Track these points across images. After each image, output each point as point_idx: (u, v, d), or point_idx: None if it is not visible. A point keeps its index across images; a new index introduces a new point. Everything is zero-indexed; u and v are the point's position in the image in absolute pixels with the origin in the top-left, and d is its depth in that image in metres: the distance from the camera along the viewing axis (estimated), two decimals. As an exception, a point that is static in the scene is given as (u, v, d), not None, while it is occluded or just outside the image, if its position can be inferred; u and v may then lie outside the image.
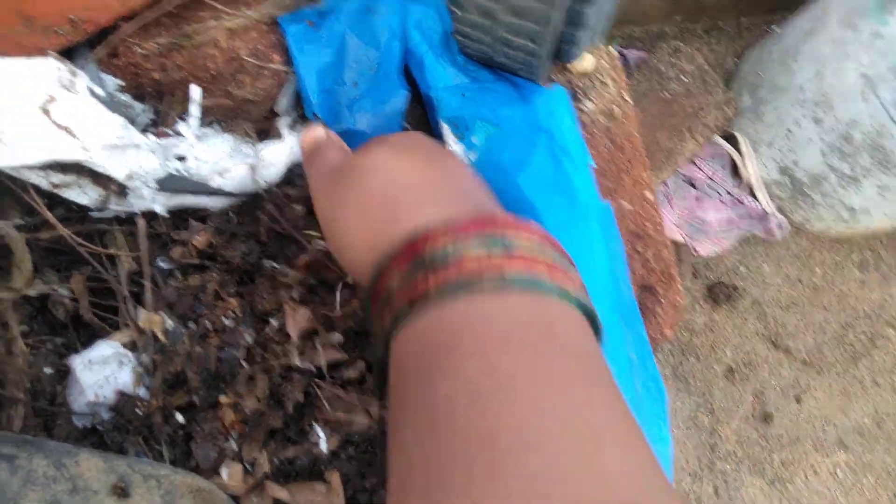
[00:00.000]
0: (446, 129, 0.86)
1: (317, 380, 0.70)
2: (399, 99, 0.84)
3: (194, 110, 0.78)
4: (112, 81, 0.79)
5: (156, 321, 0.66)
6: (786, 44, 1.74)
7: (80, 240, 0.70)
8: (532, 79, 0.85)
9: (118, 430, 0.66)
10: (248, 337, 0.71)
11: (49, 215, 0.69)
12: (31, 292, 0.73)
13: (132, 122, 0.82)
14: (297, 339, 0.72)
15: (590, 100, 1.03)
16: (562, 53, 0.82)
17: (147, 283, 0.69)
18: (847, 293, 1.81)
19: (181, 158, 0.75)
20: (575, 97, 1.03)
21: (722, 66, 2.03)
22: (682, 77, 1.67)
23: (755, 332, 1.72)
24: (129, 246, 0.76)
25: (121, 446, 0.65)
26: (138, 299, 0.73)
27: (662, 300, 0.97)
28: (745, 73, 1.92)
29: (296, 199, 0.81)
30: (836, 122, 1.53)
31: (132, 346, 0.68)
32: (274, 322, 0.74)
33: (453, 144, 0.85)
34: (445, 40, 0.90)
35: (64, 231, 0.68)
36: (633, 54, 1.87)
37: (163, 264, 0.75)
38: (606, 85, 1.07)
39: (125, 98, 0.80)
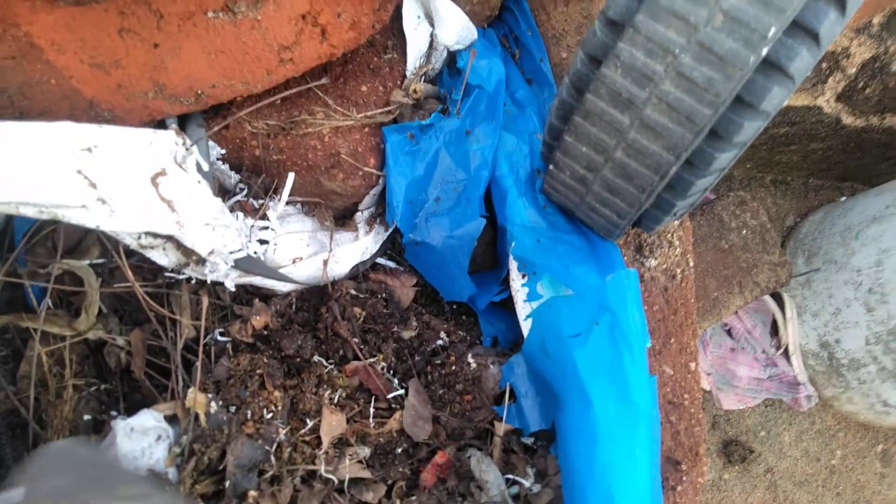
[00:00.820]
0: (514, 266, 0.87)
1: (336, 493, 0.70)
2: (477, 226, 0.86)
3: (285, 196, 0.81)
4: (216, 150, 0.83)
5: (201, 402, 0.68)
6: (850, 220, 1.75)
7: (148, 299, 0.72)
8: (608, 238, 0.87)
9: None
10: (283, 433, 0.71)
11: (127, 270, 0.71)
12: (91, 336, 0.75)
13: (225, 188, 0.86)
14: (328, 446, 0.72)
15: (654, 257, 1.04)
16: (642, 225, 0.83)
17: (199, 359, 0.71)
18: (864, 484, 1.74)
19: (263, 242, 0.77)
20: (640, 250, 1.05)
21: (783, 221, 2.03)
22: (743, 230, 1.68)
23: (762, 503, 1.66)
24: (192, 309, 0.78)
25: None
26: (189, 366, 0.74)
27: (685, 478, 0.95)
28: (804, 235, 1.92)
29: (360, 302, 0.82)
30: (889, 316, 1.51)
31: (173, 419, 0.69)
32: (310, 422, 0.74)
33: (518, 281, 0.87)
34: (531, 177, 0.93)
35: (138, 289, 0.71)
36: (697, 189, 1.89)
37: (220, 337, 0.76)
38: (673, 245, 1.08)
39: (224, 167, 0.84)
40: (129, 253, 0.76)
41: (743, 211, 1.71)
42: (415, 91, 0.90)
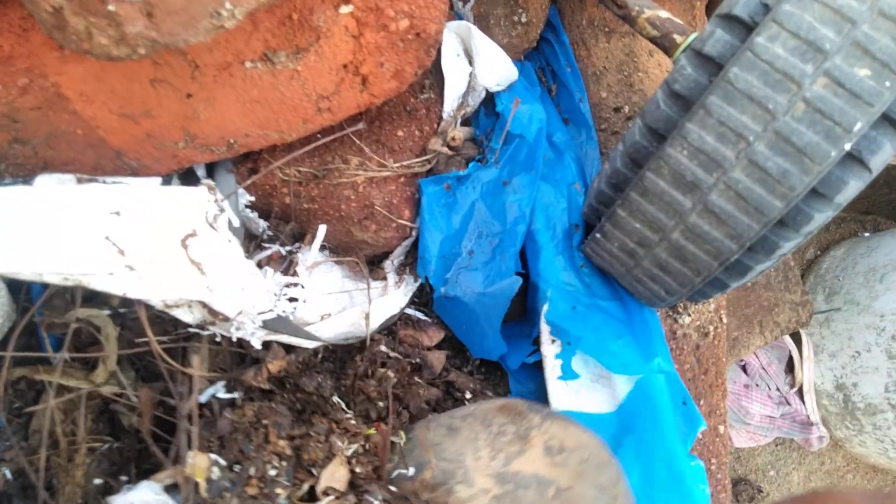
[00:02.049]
0: (545, 329, 0.83)
1: None
2: (511, 284, 0.83)
3: (315, 248, 0.77)
4: (245, 197, 0.79)
5: (201, 466, 0.64)
6: (875, 261, 1.72)
7: (164, 354, 0.68)
8: (649, 306, 0.83)
9: None
10: (283, 497, 0.67)
11: (147, 325, 0.67)
12: (105, 390, 0.72)
13: (252, 234, 0.82)
14: (320, 493, 0.68)
15: (688, 314, 1.01)
16: (689, 298, 0.80)
17: (194, 411, 0.68)
18: (871, 527, 1.73)
19: (292, 300, 0.74)
20: (674, 308, 1.01)
21: (803, 254, 2.00)
22: (765, 267, 1.64)
23: (768, 545, 1.65)
24: (211, 362, 0.75)
25: None
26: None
27: (708, 549, 0.92)
28: (825, 271, 1.89)
29: (391, 363, 0.79)
30: (912, 365, 1.49)
31: (174, 488, 0.66)
32: (316, 472, 0.70)
33: (548, 346, 0.83)
34: (569, 233, 0.89)
35: (155, 345, 0.67)
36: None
37: (224, 395, 0.73)
38: (708, 301, 1.04)
39: (252, 214, 0.80)
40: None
41: (766, 247, 1.67)
42: (453, 139, 0.86)
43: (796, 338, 1.80)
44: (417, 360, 0.82)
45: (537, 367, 0.90)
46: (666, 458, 0.67)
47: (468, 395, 0.87)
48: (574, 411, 0.76)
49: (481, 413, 0.74)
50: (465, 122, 0.97)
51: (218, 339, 0.76)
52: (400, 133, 0.86)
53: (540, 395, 0.93)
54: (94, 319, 0.73)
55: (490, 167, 0.87)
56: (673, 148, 0.61)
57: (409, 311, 0.89)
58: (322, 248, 0.85)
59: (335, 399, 0.77)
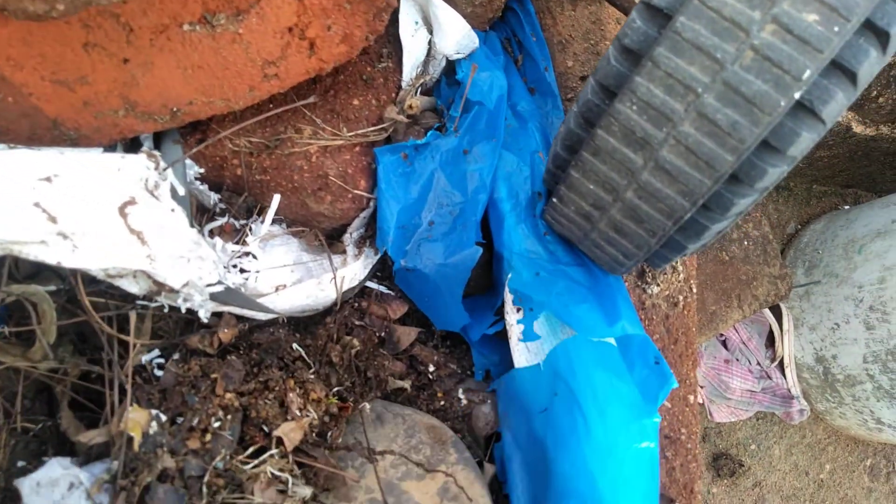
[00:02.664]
0: (508, 299, 0.82)
1: None
2: (472, 254, 0.81)
3: (269, 219, 0.76)
4: (194, 169, 0.76)
5: (138, 420, 0.62)
6: (854, 232, 1.71)
7: (103, 323, 0.66)
8: (612, 273, 0.82)
9: None
10: (225, 454, 0.65)
11: (83, 293, 0.65)
12: (42, 367, 0.70)
13: (204, 207, 0.80)
14: (276, 452, 0.66)
15: (657, 283, 1.00)
16: (649, 262, 0.79)
17: (131, 356, 0.66)
18: (852, 498, 1.74)
19: (244, 271, 0.72)
20: (641, 276, 1.00)
21: (783, 228, 1.99)
22: (744, 241, 1.64)
23: (749, 517, 1.65)
24: (153, 325, 0.73)
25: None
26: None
27: (678, 518, 0.92)
28: (805, 245, 1.88)
29: (357, 331, 0.78)
30: (889, 335, 1.48)
31: (105, 450, 0.64)
32: (266, 429, 0.68)
33: (513, 315, 0.82)
34: (531, 201, 0.88)
35: (94, 316, 0.65)
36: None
37: (159, 360, 0.71)
38: (677, 270, 1.03)
39: (202, 187, 0.78)
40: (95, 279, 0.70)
41: (745, 221, 1.66)
42: (410, 107, 0.84)
43: (776, 312, 1.80)
44: (383, 333, 0.81)
45: (501, 340, 0.89)
46: (599, 417, 0.65)
47: (431, 368, 0.85)
48: (532, 366, 0.75)
49: (412, 421, 0.74)
50: (427, 93, 0.95)
51: (166, 310, 0.74)
52: (356, 102, 0.84)
53: (504, 366, 0.92)
54: (30, 296, 0.71)
55: (449, 136, 0.85)
56: (622, 104, 0.59)
57: (372, 285, 0.88)
58: (278, 221, 0.84)
59: (296, 348, 0.75)
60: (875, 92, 1.53)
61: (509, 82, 0.95)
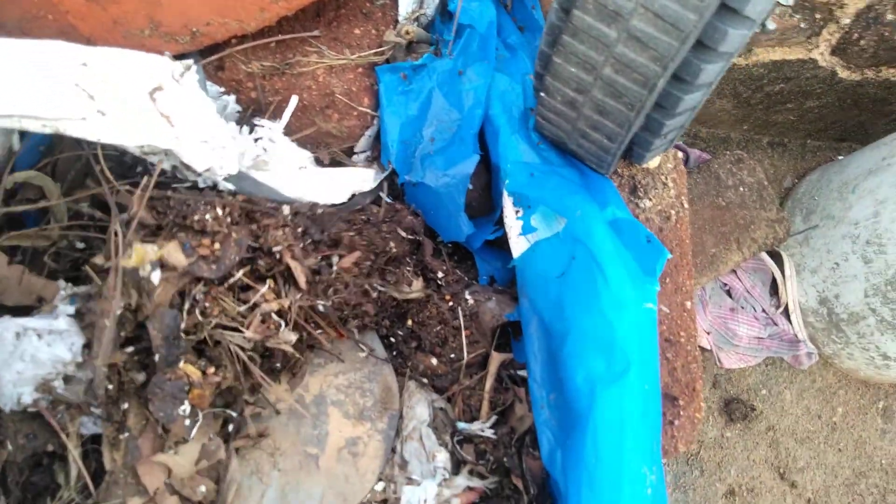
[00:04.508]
0: (508, 201, 0.88)
1: (249, 356, 0.71)
2: (470, 163, 0.87)
3: (286, 116, 0.82)
4: (215, 89, 0.84)
5: (144, 253, 0.67)
6: (847, 175, 1.75)
7: (109, 174, 0.72)
8: (599, 171, 0.88)
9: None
10: (234, 257, 0.70)
11: (101, 157, 0.71)
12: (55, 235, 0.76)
13: (226, 112, 0.87)
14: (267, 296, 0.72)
15: (649, 198, 1.05)
16: (633, 154, 0.84)
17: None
18: (865, 440, 1.75)
19: (263, 163, 0.78)
20: (634, 192, 1.05)
21: (780, 183, 2.04)
22: (740, 187, 1.69)
23: (764, 459, 1.67)
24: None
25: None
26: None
27: (682, 413, 0.96)
28: (802, 194, 1.92)
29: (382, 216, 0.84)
30: (887, 266, 1.52)
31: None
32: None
33: (512, 217, 0.88)
34: (524, 116, 0.94)
35: (102, 166, 0.71)
36: (695, 154, 1.90)
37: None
38: (668, 187, 1.09)
39: (224, 97, 0.85)
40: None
41: (739, 169, 1.71)
42: (407, 32, 0.91)
43: (778, 259, 1.84)
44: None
45: (503, 248, 0.95)
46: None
47: (440, 275, 0.91)
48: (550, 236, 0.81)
49: (380, 371, 0.85)
50: (423, 30, 1.03)
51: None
52: (357, 31, 0.91)
53: (506, 272, 0.97)
54: (33, 180, 0.77)
55: (444, 58, 0.92)
56: (595, -17, 0.66)
57: (389, 200, 0.93)
58: (293, 139, 0.90)
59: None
60: (856, 35, 1.58)
61: (499, 21, 1.03)
